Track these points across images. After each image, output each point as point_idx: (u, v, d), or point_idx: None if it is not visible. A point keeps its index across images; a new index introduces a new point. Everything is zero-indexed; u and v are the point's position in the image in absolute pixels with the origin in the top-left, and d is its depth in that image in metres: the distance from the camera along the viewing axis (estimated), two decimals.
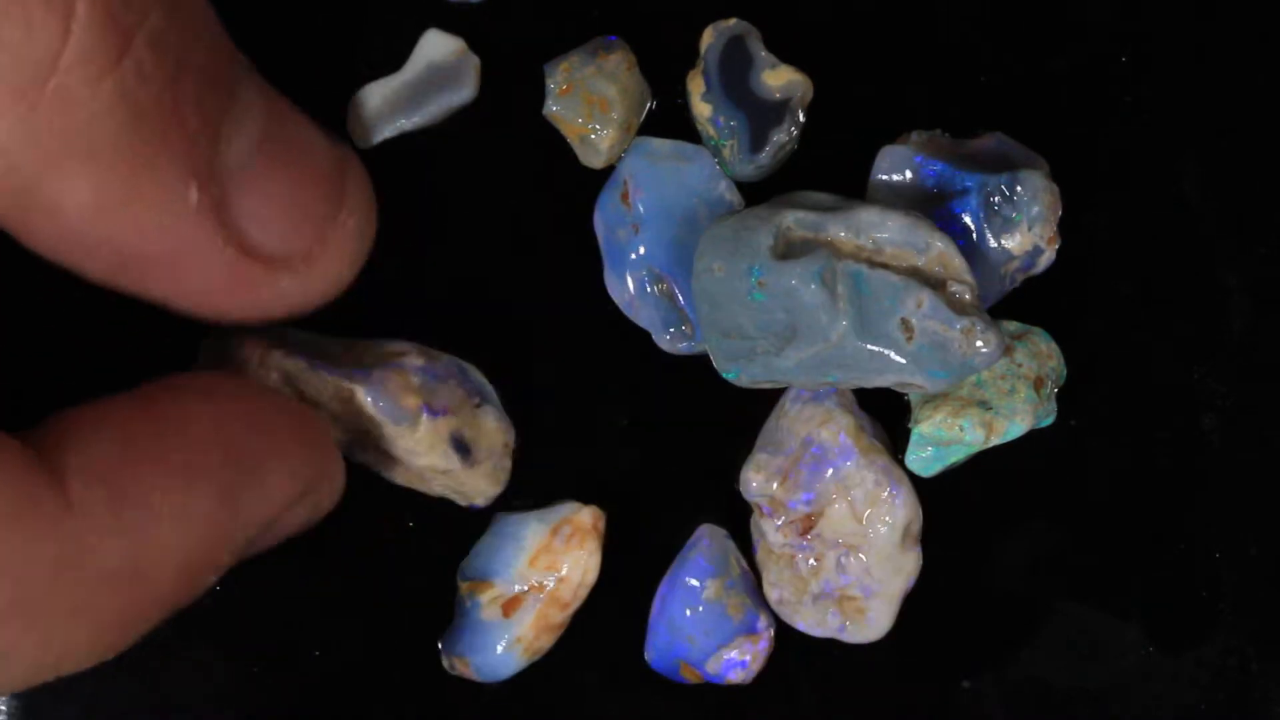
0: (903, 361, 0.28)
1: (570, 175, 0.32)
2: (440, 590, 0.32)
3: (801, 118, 0.32)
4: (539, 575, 0.31)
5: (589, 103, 0.31)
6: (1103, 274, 0.32)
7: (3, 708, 0.32)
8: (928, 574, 0.31)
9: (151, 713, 0.32)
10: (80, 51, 0.22)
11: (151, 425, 0.24)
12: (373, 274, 0.32)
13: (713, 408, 0.32)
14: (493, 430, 0.30)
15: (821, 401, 0.31)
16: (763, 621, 0.31)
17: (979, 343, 0.28)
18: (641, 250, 0.31)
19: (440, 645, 0.32)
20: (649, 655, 0.32)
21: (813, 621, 0.31)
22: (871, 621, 0.31)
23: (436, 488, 0.31)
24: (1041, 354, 0.31)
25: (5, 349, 0.30)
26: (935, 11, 0.32)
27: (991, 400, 0.31)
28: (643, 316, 0.32)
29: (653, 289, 0.31)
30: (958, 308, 0.28)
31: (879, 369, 0.28)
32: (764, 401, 0.32)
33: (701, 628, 0.31)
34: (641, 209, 0.31)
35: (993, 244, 0.31)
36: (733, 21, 0.32)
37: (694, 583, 0.31)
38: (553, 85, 0.32)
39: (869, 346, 0.28)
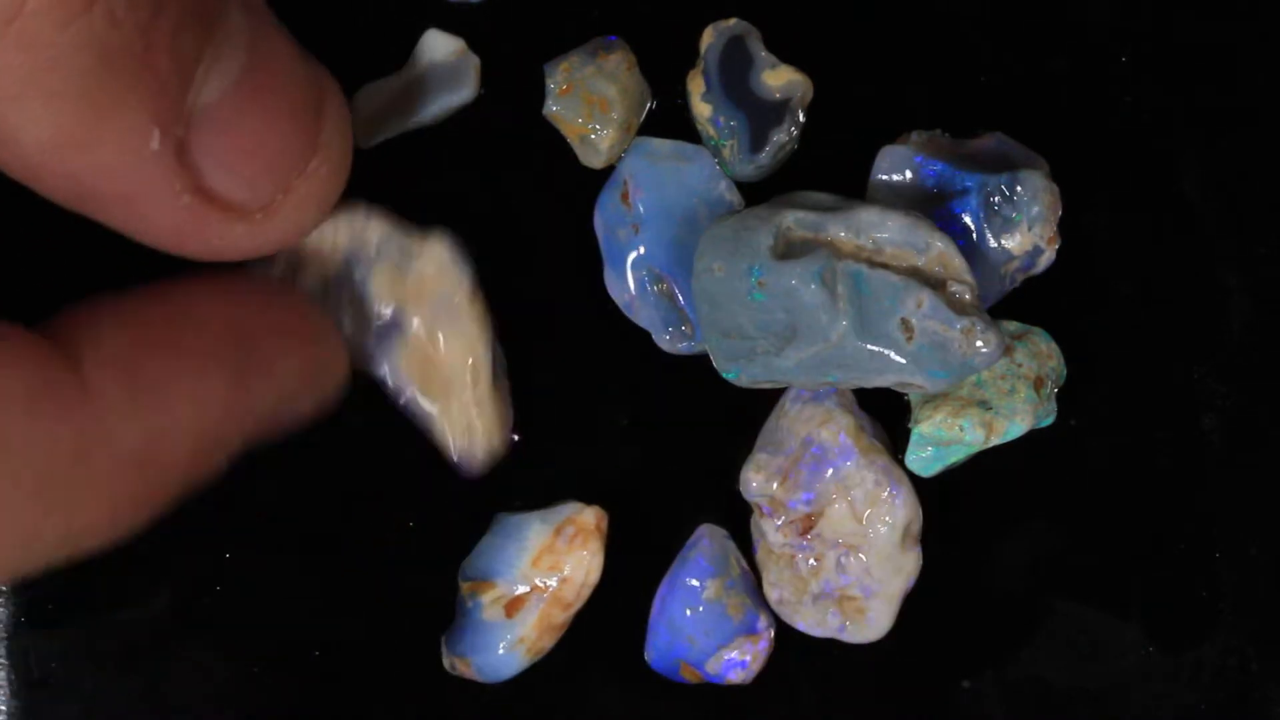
0: (903, 361, 0.28)
1: (570, 175, 0.32)
2: (441, 590, 0.32)
3: (801, 118, 0.32)
4: (542, 576, 0.31)
5: (589, 103, 0.31)
6: (1103, 274, 0.32)
7: (3, 708, 0.32)
8: (928, 574, 0.31)
9: (151, 713, 0.32)
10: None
11: (165, 315, 0.25)
12: None
13: (713, 408, 0.32)
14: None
15: (821, 401, 0.31)
16: (763, 621, 0.31)
17: (979, 343, 0.28)
18: (641, 250, 0.31)
19: (442, 645, 0.32)
20: (649, 655, 0.32)
21: (813, 621, 0.31)
22: (871, 621, 0.31)
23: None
24: (1041, 354, 0.31)
25: (16, 246, 0.30)
26: (935, 11, 0.32)
27: (991, 400, 0.31)
28: (643, 316, 0.32)
29: (653, 289, 0.31)
30: (958, 308, 0.28)
31: (879, 369, 0.28)
32: (764, 401, 0.32)
33: (701, 628, 0.31)
34: (641, 209, 0.31)
35: (993, 244, 0.31)
36: (733, 21, 0.32)
37: (694, 583, 0.31)
38: (553, 85, 0.32)
39: (869, 346, 0.28)
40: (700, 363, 0.31)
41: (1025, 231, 0.30)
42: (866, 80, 0.32)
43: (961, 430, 0.30)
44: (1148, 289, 0.32)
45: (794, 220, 0.29)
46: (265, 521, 0.32)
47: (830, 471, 0.30)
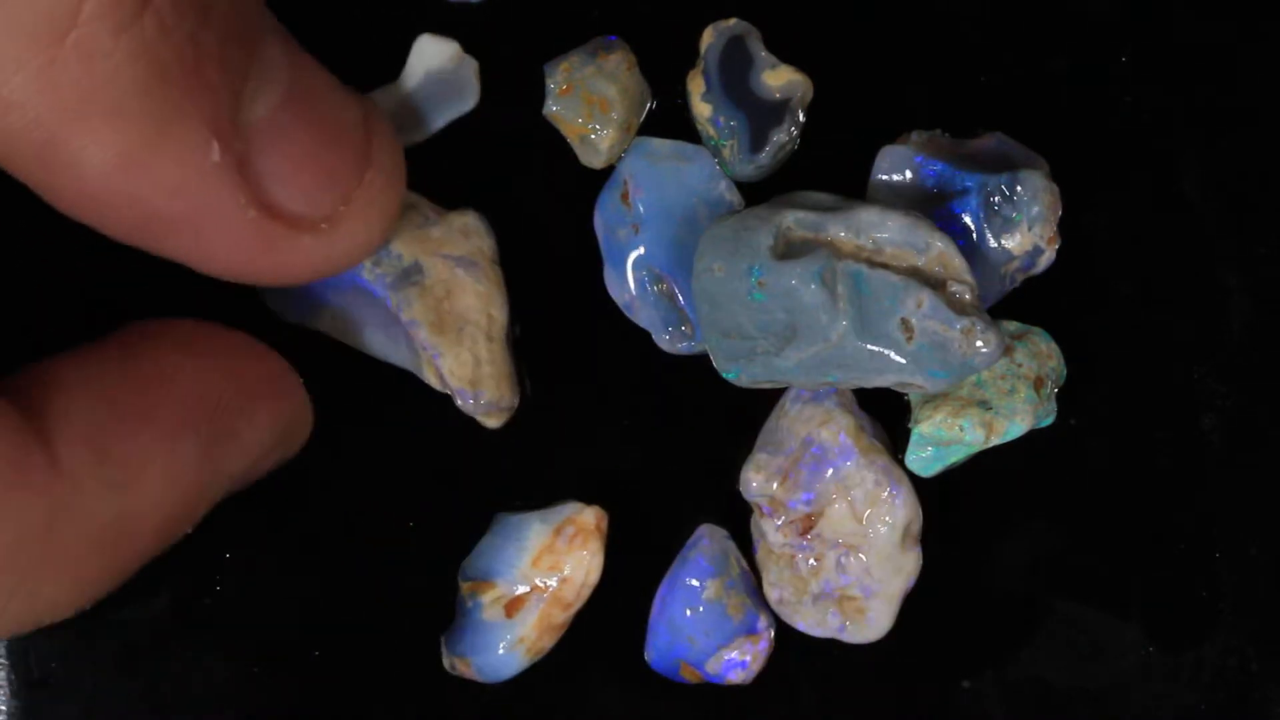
0: (903, 361, 0.28)
1: (570, 175, 0.32)
2: (441, 590, 0.32)
3: (801, 118, 0.32)
4: (542, 576, 0.31)
5: (589, 103, 0.31)
6: (1103, 274, 0.32)
7: (3, 708, 0.32)
8: (928, 574, 0.31)
9: (151, 713, 0.32)
10: (101, 3, 0.21)
11: (135, 382, 0.24)
12: None
13: (713, 408, 0.32)
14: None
15: (821, 401, 0.31)
16: (763, 621, 0.31)
17: (979, 343, 0.28)
18: (641, 250, 0.31)
19: (442, 645, 0.32)
20: (649, 655, 0.32)
21: (813, 621, 0.31)
22: (871, 621, 0.31)
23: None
24: (1041, 354, 0.31)
25: None
26: (935, 11, 0.32)
27: (991, 400, 0.31)
28: (643, 316, 0.32)
29: (653, 289, 0.31)
30: (958, 308, 0.28)
31: (879, 369, 0.28)
32: (764, 401, 0.32)
33: (701, 628, 0.31)
34: (641, 209, 0.31)
35: (993, 244, 0.31)
36: (733, 21, 0.32)
37: (694, 583, 0.31)
38: (553, 85, 0.32)
39: (869, 346, 0.28)
40: (700, 363, 0.31)
41: (1025, 231, 0.30)
42: (866, 80, 0.32)
43: (961, 430, 0.30)
44: (1148, 289, 0.32)
45: (794, 220, 0.29)
46: (265, 521, 0.32)
47: (830, 471, 0.30)
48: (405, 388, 0.32)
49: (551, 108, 0.32)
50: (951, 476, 0.31)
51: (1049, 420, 0.31)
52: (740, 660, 0.31)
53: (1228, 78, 0.32)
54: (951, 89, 0.32)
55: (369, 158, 0.26)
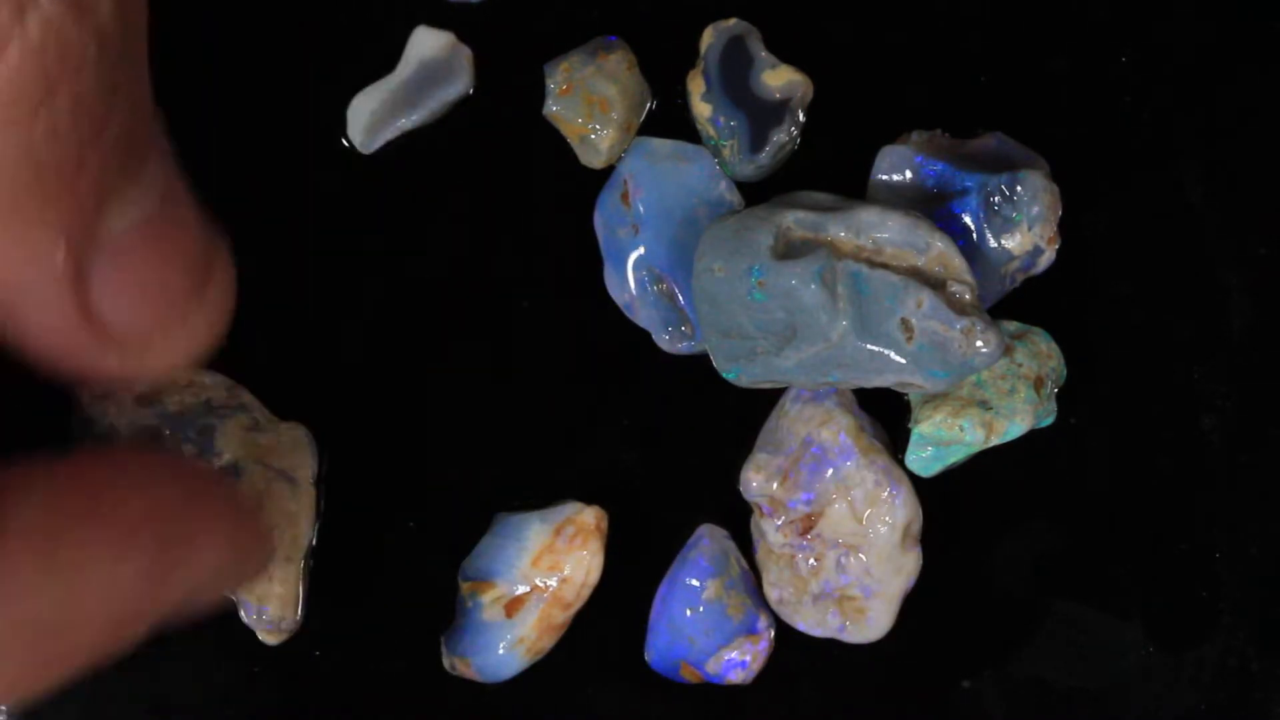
0: (903, 361, 0.28)
1: (570, 175, 0.32)
2: (441, 590, 0.32)
3: (801, 118, 0.32)
4: (542, 576, 0.31)
5: (589, 103, 0.31)
6: (1103, 274, 0.32)
7: (3, 707, 0.32)
8: (928, 574, 0.31)
9: (151, 713, 0.32)
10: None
11: (85, 494, 0.24)
12: (375, 273, 0.32)
13: (713, 408, 0.32)
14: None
15: (821, 401, 0.31)
16: (763, 621, 0.31)
17: (979, 343, 0.28)
18: (641, 250, 0.31)
19: (442, 645, 0.32)
20: (649, 655, 0.32)
21: (813, 621, 0.31)
22: (871, 621, 0.31)
23: None
24: (1041, 354, 0.31)
25: None
26: (935, 11, 0.32)
27: (991, 400, 0.31)
28: (643, 316, 0.32)
29: (653, 289, 0.31)
30: (958, 308, 0.28)
31: (879, 369, 0.28)
32: (764, 401, 0.32)
33: (701, 628, 0.31)
34: (641, 209, 0.31)
35: (993, 244, 0.31)
36: (733, 21, 0.32)
37: (694, 583, 0.31)
38: (553, 85, 0.32)
39: (869, 346, 0.28)
40: (700, 363, 0.31)
41: (1025, 231, 0.31)
42: (866, 80, 0.32)
43: (961, 430, 0.30)
44: (1148, 289, 0.32)
45: (794, 220, 0.29)
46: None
47: (830, 471, 0.30)
48: (405, 388, 0.32)
49: (551, 108, 0.32)
50: (951, 476, 0.31)
51: (1049, 420, 0.31)
52: (740, 660, 0.31)
53: (1228, 78, 0.32)
54: (951, 89, 0.32)
55: (202, 297, 0.26)
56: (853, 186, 0.31)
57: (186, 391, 0.31)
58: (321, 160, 0.32)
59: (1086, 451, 0.32)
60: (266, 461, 0.31)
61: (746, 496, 0.31)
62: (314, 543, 0.31)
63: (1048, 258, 0.31)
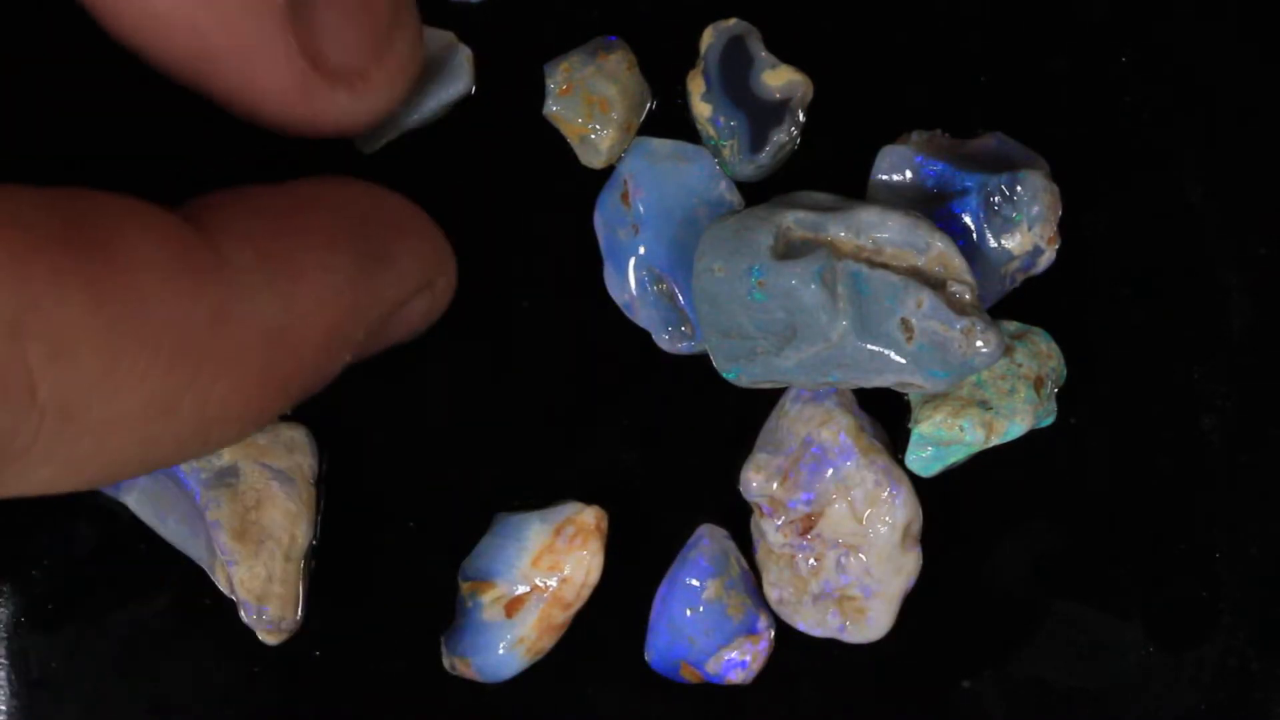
0: (903, 361, 0.28)
1: (570, 175, 0.32)
2: (441, 590, 0.32)
3: (801, 118, 0.32)
4: (542, 576, 0.31)
5: (589, 103, 0.31)
6: (1103, 274, 0.32)
7: (3, 707, 0.32)
8: (928, 574, 0.31)
9: (151, 713, 0.32)
10: None
11: (291, 203, 0.25)
12: None
13: (713, 408, 0.32)
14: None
15: (821, 401, 0.31)
16: (763, 621, 0.31)
17: (979, 343, 0.28)
18: (641, 250, 0.31)
19: (442, 645, 0.32)
20: (649, 655, 0.32)
21: (813, 621, 0.31)
22: (871, 621, 0.31)
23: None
24: (1041, 354, 0.31)
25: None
26: (935, 11, 0.32)
27: (991, 400, 0.31)
28: (643, 316, 0.32)
29: (653, 289, 0.31)
30: (958, 308, 0.28)
31: (879, 369, 0.28)
32: (764, 401, 0.32)
33: (701, 628, 0.31)
34: (641, 209, 0.31)
35: (993, 244, 0.31)
36: (733, 21, 0.32)
37: (694, 583, 0.31)
38: (553, 85, 0.32)
39: (869, 346, 0.28)
40: (700, 363, 0.31)
41: (1025, 231, 0.30)
42: (866, 80, 0.32)
43: (961, 430, 0.30)
44: (1148, 289, 0.32)
45: (794, 220, 0.29)
46: None
47: (830, 471, 0.30)
48: (405, 388, 0.32)
49: (551, 108, 0.32)
50: (951, 476, 0.31)
51: (1049, 420, 0.31)
52: (740, 660, 0.31)
53: (1228, 78, 0.32)
54: (951, 89, 0.32)
55: (400, 18, 0.27)
56: (853, 186, 0.31)
57: None
58: (322, 160, 0.32)
59: (1086, 451, 0.32)
60: (266, 461, 0.31)
61: (746, 496, 0.31)
62: (314, 543, 0.31)
63: (1048, 258, 0.31)
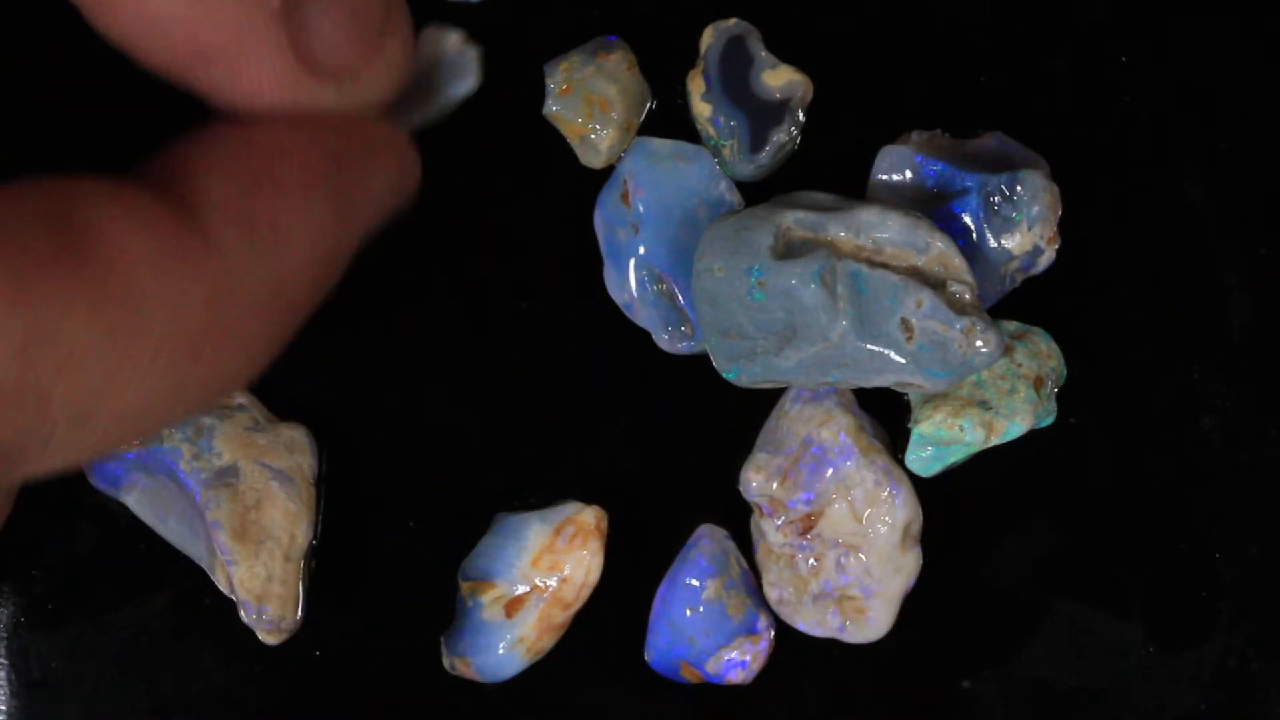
0: (903, 361, 0.28)
1: (570, 175, 0.32)
2: (441, 590, 0.32)
3: (801, 118, 0.32)
4: (542, 576, 0.31)
5: (589, 103, 0.31)
6: (1103, 274, 0.32)
7: (3, 707, 0.32)
8: (928, 574, 0.31)
9: (151, 713, 0.32)
10: None
11: (262, 155, 0.25)
12: (374, 273, 0.32)
13: (713, 408, 0.32)
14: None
15: (821, 401, 0.31)
16: (763, 621, 0.31)
17: (979, 343, 0.28)
18: (641, 250, 0.31)
19: (442, 645, 0.32)
20: (649, 655, 0.32)
21: (813, 621, 0.31)
22: (871, 621, 0.31)
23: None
24: (1041, 354, 0.31)
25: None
26: (935, 11, 0.32)
27: (991, 400, 0.31)
28: (643, 316, 0.32)
29: (653, 289, 0.31)
30: (958, 308, 0.28)
31: (879, 369, 0.28)
32: (764, 401, 0.32)
33: (701, 628, 0.31)
34: (641, 209, 0.31)
35: (993, 244, 0.31)
36: (733, 21, 0.32)
37: (694, 583, 0.31)
38: (553, 85, 0.32)
39: (869, 346, 0.28)
40: (700, 363, 0.31)
41: (1025, 231, 0.30)
42: (866, 80, 0.32)
43: (961, 430, 0.30)
44: (1148, 289, 0.32)
45: (794, 220, 0.29)
46: None
47: (830, 471, 0.30)
48: (405, 388, 0.32)
49: (551, 108, 0.32)
50: (951, 476, 0.31)
51: (1049, 420, 0.31)
52: (740, 660, 0.31)
53: (1228, 78, 0.32)
54: (951, 89, 0.32)
55: (389, 19, 0.27)
56: (853, 186, 0.31)
57: None
58: None
59: (1086, 451, 0.32)
60: (266, 461, 0.31)
61: (746, 496, 0.31)
62: (314, 543, 0.31)
63: (1048, 258, 0.31)
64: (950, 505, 0.32)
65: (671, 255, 0.31)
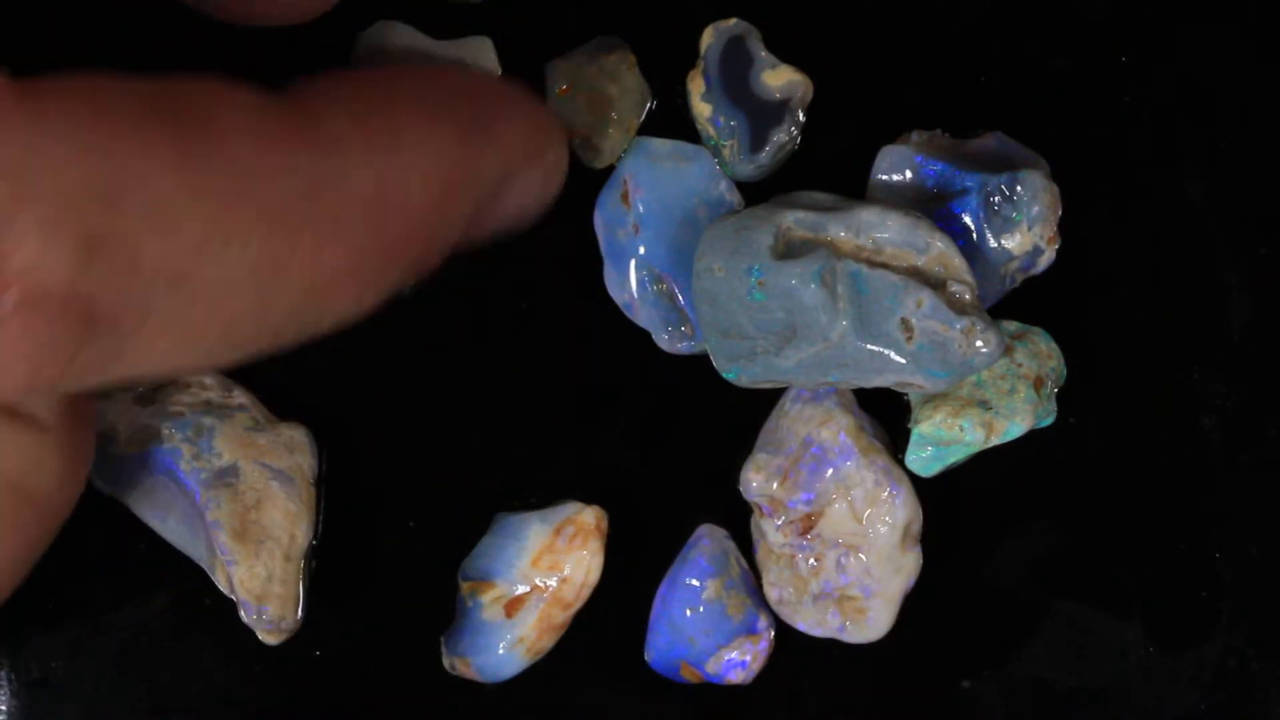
0: (903, 361, 0.28)
1: (570, 175, 0.32)
2: (441, 590, 0.32)
3: (801, 118, 0.32)
4: (541, 576, 0.31)
5: (589, 103, 0.31)
6: (1103, 274, 0.32)
7: (3, 707, 0.32)
8: (928, 574, 0.31)
9: (151, 713, 0.32)
10: None
11: (386, 79, 0.25)
12: None
13: (713, 408, 0.32)
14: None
15: (821, 401, 0.31)
16: (763, 621, 0.31)
17: (979, 343, 0.28)
18: (641, 250, 0.31)
19: (442, 645, 0.32)
20: (649, 655, 0.32)
21: (813, 621, 0.31)
22: (871, 621, 0.31)
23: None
24: (1041, 354, 0.31)
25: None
26: (935, 11, 0.32)
27: (991, 400, 0.31)
28: (643, 316, 0.32)
29: (653, 289, 0.31)
30: (958, 308, 0.28)
31: (879, 369, 0.28)
32: (764, 401, 0.32)
33: (701, 628, 0.31)
34: (641, 209, 0.31)
35: (993, 244, 0.31)
36: (733, 21, 0.32)
37: (694, 583, 0.31)
38: (553, 85, 0.32)
39: (869, 346, 0.28)
40: (700, 363, 0.31)
41: (1025, 231, 0.30)
42: (866, 80, 0.32)
43: (961, 430, 0.30)
44: (1148, 289, 0.32)
45: (794, 220, 0.29)
46: None
47: (830, 471, 0.30)
48: (405, 388, 0.32)
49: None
50: (951, 476, 0.31)
51: (1049, 420, 0.31)
52: (740, 660, 0.31)
53: (1228, 78, 0.32)
54: (951, 89, 0.32)
55: None
56: (853, 186, 0.31)
57: (186, 391, 0.31)
58: None
59: (1086, 451, 0.32)
60: (266, 461, 0.31)
61: (746, 496, 0.31)
62: (314, 543, 0.31)
63: (1048, 258, 0.31)
64: (950, 505, 0.32)
65: (671, 255, 0.31)
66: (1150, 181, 0.32)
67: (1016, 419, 0.31)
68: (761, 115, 0.31)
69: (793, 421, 0.31)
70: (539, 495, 0.32)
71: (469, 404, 0.32)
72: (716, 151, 0.32)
